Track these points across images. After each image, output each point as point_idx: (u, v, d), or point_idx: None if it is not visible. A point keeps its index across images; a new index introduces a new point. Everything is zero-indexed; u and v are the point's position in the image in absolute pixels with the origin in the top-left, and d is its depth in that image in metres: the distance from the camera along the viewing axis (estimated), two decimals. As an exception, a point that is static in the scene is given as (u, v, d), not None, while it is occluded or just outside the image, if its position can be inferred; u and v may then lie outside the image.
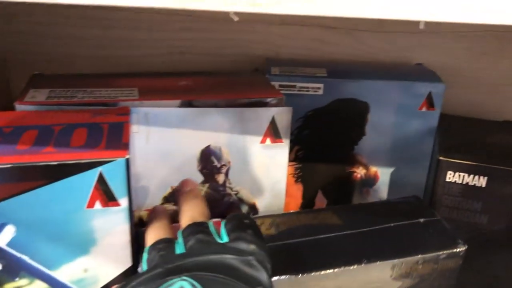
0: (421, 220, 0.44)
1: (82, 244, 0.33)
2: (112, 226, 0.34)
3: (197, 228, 0.32)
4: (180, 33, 0.59)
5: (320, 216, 0.47)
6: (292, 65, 0.56)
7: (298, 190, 0.58)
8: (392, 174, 0.57)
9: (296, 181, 0.58)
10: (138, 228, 0.37)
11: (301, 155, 0.57)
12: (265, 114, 0.44)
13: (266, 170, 0.46)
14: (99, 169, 0.32)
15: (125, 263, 0.36)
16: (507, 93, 0.63)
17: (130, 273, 0.36)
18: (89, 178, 0.32)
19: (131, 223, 0.35)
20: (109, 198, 0.33)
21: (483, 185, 0.47)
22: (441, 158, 0.47)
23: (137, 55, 0.60)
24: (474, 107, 0.63)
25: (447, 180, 0.48)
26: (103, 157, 0.32)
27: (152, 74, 0.52)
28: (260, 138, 0.45)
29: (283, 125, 0.45)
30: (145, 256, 0.32)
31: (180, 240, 0.32)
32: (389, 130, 0.55)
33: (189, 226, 0.33)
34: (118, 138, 0.35)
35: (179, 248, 0.31)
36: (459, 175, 0.47)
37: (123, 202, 0.34)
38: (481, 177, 0.47)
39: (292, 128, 0.55)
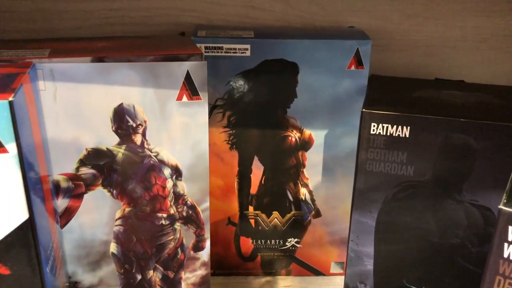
0: None
1: (-30, 195, 0.32)
2: (1, 175, 0.32)
3: None
4: (108, 3, 0.58)
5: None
6: (221, 29, 0.56)
7: (233, 157, 0.58)
8: (326, 136, 0.57)
9: (230, 147, 0.57)
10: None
11: (234, 121, 0.56)
12: (179, 69, 0.43)
13: (186, 129, 0.45)
14: (-21, 112, 0.30)
15: (21, 215, 0.34)
16: (440, 54, 0.63)
17: (28, 226, 0.35)
18: (-31, 122, 0.30)
19: (24, 172, 0.33)
20: (-7, 145, 0.31)
21: (407, 135, 0.46)
22: (364, 110, 0.47)
23: (66, 27, 0.59)
24: (408, 68, 0.63)
25: (372, 132, 0.47)
26: (-16, 100, 0.31)
27: (72, 39, 0.51)
28: (176, 95, 0.44)
29: (199, 80, 0.44)
30: None
31: None
32: (320, 91, 0.55)
33: None
34: (7, 85, 0.33)
35: None
36: (383, 126, 0.47)
37: (11, 148, 0.32)
38: (404, 127, 0.46)
39: (222, 93, 0.54)
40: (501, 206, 0.33)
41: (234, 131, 0.56)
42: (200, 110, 0.45)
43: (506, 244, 0.33)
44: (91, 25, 0.60)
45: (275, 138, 0.57)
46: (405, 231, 0.50)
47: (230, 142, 0.57)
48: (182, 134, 0.45)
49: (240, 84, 0.54)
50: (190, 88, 0.44)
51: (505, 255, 0.33)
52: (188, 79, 0.43)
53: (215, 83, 0.53)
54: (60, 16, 0.59)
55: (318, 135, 0.57)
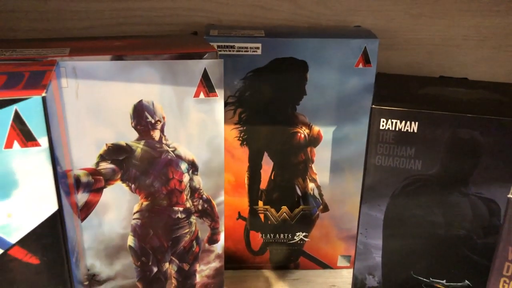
0: None
1: (3, 187, 0.33)
2: (33, 168, 0.34)
3: None
4: (119, 3, 0.60)
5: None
6: (232, 29, 0.57)
7: (244, 153, 0.59)
8: (334, 133, 0.58)
9: (241, 144, 0.58)
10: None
11: (244, 117, 0.57)
12: (196, 67, 0.44)
13: (203, 125, 0.47)
14: (14, 106, 0.32)
15: (51, 207, 0.36)
16: (444, 52, 0.65)
17: (57, 218, 0.36)
18: (5, 116, 0.32)
19: (54, 165, 0.35)
20: (27, 138, 0.33)
21: (415, 131, 0.48)
22: (373, 106, 0.49)
23: (77, 27, 0.60)
24: (413, 67, 0.65)
25: (381, 128, 0.49)
26: (19, 95, 0.32)
27: (88, 38, 0.52)
28: (193, 92, 0.45)
29: (216, 77, 0.45)
30: None
31: None
32: (328, 88, 0.56)
33: None
34: (37, 82, 0.35)
35: None
36: (392, 122, 0.48)
37: (43, 142, 0.34)
38: (412, 123, 0.48)
39: (234, 90, 0.56)
40: (510, 195, 0.34)
41: (244, 128, 0.58)
42: (216, 107, 0.46)
43: (515, 232, 0.35)
44: (102, 25, 0.61)
45: (284, 135, 0.58)
46: (412, 224, 0.51)
47: (240, 138, 0.58)
48: (199, 130, 0.47)
49: (251, 82, 0.55)
50: (207, 85, 0.45)
51: (515, 242, 0.35)
52: (205, 76, 0.45)
53: (226, 81, 0.55)
54: (72, 16, 0.60)
55: (326, 132, 0.58)
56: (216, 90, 0.46)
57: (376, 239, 0.53)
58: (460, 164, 0.48)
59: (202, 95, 0.46)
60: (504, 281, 0.36)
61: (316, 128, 0.58)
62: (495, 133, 0.46)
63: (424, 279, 0.53)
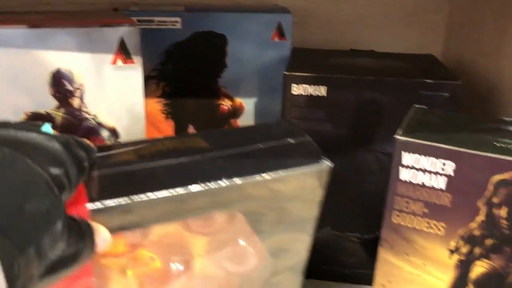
0: (291, 140, 0.41)
1: None
2: None
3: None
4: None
5: (187, 141, 0.47)
6: (154, 6, 0.59)
7: (169, 126, 0.61)
8: (255, 104, 0.62)
9: (166, 117, 0.60)
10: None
11: (168, 91, 0.59)
12: (113, 34, 0.46)
13: (122, 92, 0.48)
14: None
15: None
16: (354, 29, 0.70)
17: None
18: None
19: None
20: None
21: (324, 95, 0.52)
22: (285, 73, 0.52)
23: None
24: (327, 44, 0.69)
25: (293, 93, 0.52)
26: None
27: (7, 12, 0.52)
28: (110, 59, 0.47)
29: (132, 44, 0.47)
30: None
31: None
32: (248, 61, 0.59)
33: None
34: None
35: None
36: (303, 87, 0.52)
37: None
38: (321, 87, 0.52)
39: (155, 64, 0.58)
40: (396, 136, 0.39)
41: (168, 101, 0.60)
42: (134, 74, 0.48)
43: (401, 168, 0.39)
44: (22, 4, 0.61)
45: (208, 107, 0.61)
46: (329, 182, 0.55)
47: (165, 112, 0.60)
48: (118, 97, 0.48)
49: (172, 55, 0.57)
50: (124, 52, 0.47)
51: (401, 177, 0.39)
52: (121, 43, 0.47)
53: (148, 55, 0.57)
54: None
55: (248, 103, 0.61)
56: (133, 57, 0.47)
57: (295, 200, 0.57)
58: (366, 124, 0.53)
59: (119, 62, 0.47)
60: (396, 215, 0.40)
61: (238, 100, 0.61)
62: (394, 94, 0.51)
63: (341, 234, 0.58)
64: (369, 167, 0.54)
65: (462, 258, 0.38)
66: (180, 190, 0.33)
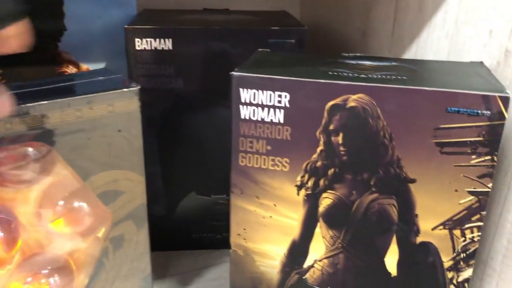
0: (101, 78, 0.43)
1: None
2: None
3: None
4: None
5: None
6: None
7: (6, 100, 0.54)
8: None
9: (1, 89, 0.53)
10: None
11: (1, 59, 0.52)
12: None
13: None
14: None
15: None
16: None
17: None
18: None
19: None
20: None
21: (170, 48, 0.49)
22: (126, 27, 0.48)
23: None
24: (182, 6, 0.66)
25: (137, 48, 0.49)
26: None
27: None
28: None
29: None
30: None
31: None
32: (90, 22, 0.54)
33: None
34: None
35: None
36: (147, 41, 0.49)
37: None
38: (167, 40, 0.49)
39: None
40: (231, 73, 0.37)
41: (1, 71, 0.53)
42: None
43: (241, 106, 0.37)
44: None
45: (52, 75, 0.55)
46: (186, 143, 0.53)
47: (3, 82, 0.53)
48: None
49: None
50: None
51: (242, 116, 0.37)
52: None
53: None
54: None
55: (97, 68, 0.56)
56: None
57: (155, 165, 0.53)
58: (217, 78, 0.51)
59: None
60: (242, 156, 0.39)
61: (84, 66, 0.56)
62: (243, 44, 0.50)
63: (207, 197, 0.55)
64: (227, 124, 0.52)
65: (309, 192, 0.38)
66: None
